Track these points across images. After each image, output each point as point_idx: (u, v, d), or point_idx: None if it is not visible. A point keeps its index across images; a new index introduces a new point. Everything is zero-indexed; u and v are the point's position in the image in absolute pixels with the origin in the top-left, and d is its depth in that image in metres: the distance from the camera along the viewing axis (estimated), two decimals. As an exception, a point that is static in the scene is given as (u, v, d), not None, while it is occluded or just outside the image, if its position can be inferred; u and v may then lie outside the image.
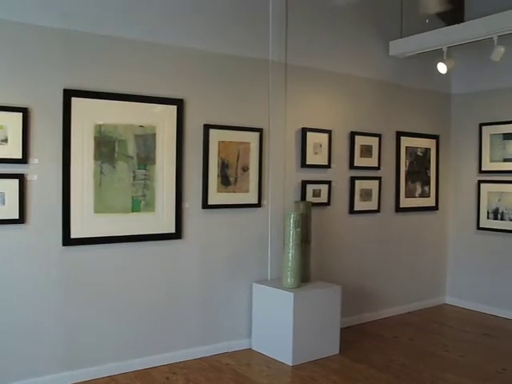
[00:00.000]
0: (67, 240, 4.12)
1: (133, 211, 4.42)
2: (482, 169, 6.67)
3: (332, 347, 5.00)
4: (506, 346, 5.40)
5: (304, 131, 5.44)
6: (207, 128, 4.77)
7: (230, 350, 5.02)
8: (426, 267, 6.84)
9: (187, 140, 4.69)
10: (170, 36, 4.57)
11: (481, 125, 6.68)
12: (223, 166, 4.89)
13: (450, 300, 7.06)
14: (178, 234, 4.66)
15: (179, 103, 4.61)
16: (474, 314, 6.59)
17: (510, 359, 5.00)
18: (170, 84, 4.59)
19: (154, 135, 4.49)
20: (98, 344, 4.33)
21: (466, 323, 6.19)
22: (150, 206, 4.50)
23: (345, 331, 5.45)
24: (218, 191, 4.88)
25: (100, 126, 4.22)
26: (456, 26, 5.71)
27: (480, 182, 6.69)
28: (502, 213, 6.47)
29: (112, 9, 4.28)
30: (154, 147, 4.50)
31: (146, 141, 4.45)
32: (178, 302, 4.73)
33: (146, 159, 4.46)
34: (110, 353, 4.39)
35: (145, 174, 4.46)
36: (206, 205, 4.80)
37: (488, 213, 6.61)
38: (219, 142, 4.85)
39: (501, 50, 5.33)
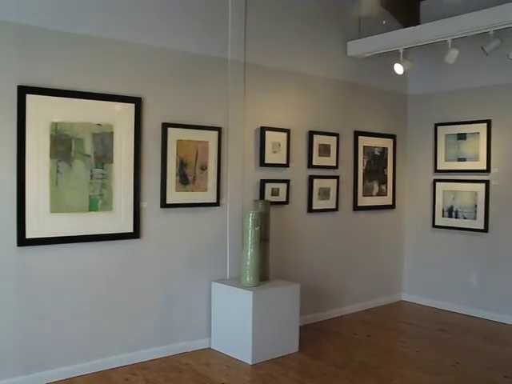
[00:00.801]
0: (22, 240, 4.02)
1: (90, 210, 4.35)
2: (438, 168, 6.82)
3: (291, 345, 5.03)
4: (460, 341, 5.53)
5: (263, 130, 5.45)
6: (165, 127, 4.74)
7: (189, 350, 4.99)
8: (383, 265, 6.94)
9: (145, 139, 4.65)
10: (128, 33, 4.51)
11: (436, 125, 6.82)
12: (181, 165, 4.86)
13: (406, 297, 7.19)
14: (136, 234, 4.61)
15: (137, 101, 4.56)
16: (429, 310, 6.73)
17: (463, 353, 5.12)
18: (128, 82, 4.54)
19: (111, 134, 4.43)
20: (54, 346, 4.24)
21: (422, 319, 6.31)
22: (107, 205, 4.44)
23: (304, 329, 5.48)
24: (177, 190, 4.85)
25: (56, 124, 4.13)
26: (412, 28, 5.82)
27: (435, 180, 6.83)
28: (457, 211, 6.62)
29: (69, 4, 4.20)
30: (112, 146, 4.44)
31: (104, 139, 4.39)
32: (136, 302, 4.68)
33: (104, 158, 4.40)
34: (68, 355, 4.31)
35: (102, 173, 4.40)
36: (164, 204, 4.77)
37: (443, 211, 6.76)
38: (177, 141, 4.82)
39: (455, 52, 5.46)
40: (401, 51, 5.90)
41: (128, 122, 4.52)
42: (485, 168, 6.33)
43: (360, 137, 6.50)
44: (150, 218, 4.72)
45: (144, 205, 4.66)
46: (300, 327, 5.17)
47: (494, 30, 5.15)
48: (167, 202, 4.78)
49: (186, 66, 4.90)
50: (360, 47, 6.23)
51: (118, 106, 4.46)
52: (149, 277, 4.74)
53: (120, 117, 4.47)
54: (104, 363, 4.48)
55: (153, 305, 4.78)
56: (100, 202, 4.39)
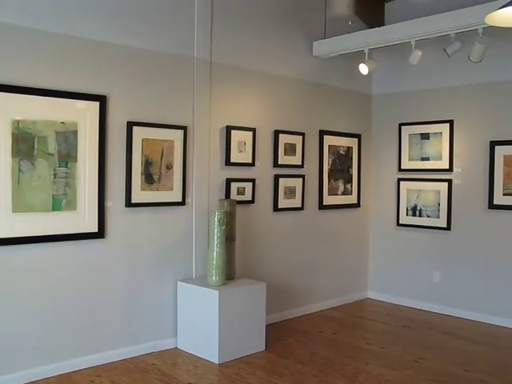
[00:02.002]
0: (-17, 241, 3.95)
1: (53, 210, 4.28)
2: (402, 167, 6.92)
3: (258, 344, 5.04)
4: (424, 337, 5.62)
5: (228, 129, 5.45)
6: (131, 125, 4.70)
7: (156, 350, 4.96)
8: (349, 263, 7.01)
9: (110, 137, 4.60)
10: (93, 30, 4.45)
11: (400, 125, 6.92)
12: (147, 164, 4.83)
13: (371, 294, 7.28)
14: (100, 234, 4.56)
15: (102, 100, 4.51)
16: (394, 307, 6.82)
17: (426, 349, 5.21)
18: (93, 80, 4.48)
19: (75, 132, 4.37)
20: (16, 349, 4.16)
21: (387, 316, 6.40)
22: (71, 204, 4.38)
23: (270, 328, 5.51)
24: (142, 189, 4.81)
25: (18, 121, 4.05)
26: (377, 29, 5.90)
27: (399, 179, 6.93)
28: (420, 209, 6.73)
29: (32, 0, 4.13)
30: (76, 144, 4.37)
31: (68, 138, 4.33)
32: (101, 303, 4.62)
33: (68, 157, 4.33)
34: (30, 357, 4.23)
35: (66, 172, 4.33)
36: (129, 203, 4.73)
37: (407, 209, 6.86)
38: (143, 140, 4.78)
39: (418, 53, 5.54)
40: (366, 51, 5.96)
41: (92, 120, 4.46)
42: (447, 167, 6.45)
43: (325, 136, 6.55)
44: (115, 218, 4.67)
45: (109, 204, 4.61)
46: (267, 326, 5.18)
47: (456, 32, 5.26)
48: (132, 202, 4.74)
49: (152, 65, 4.87)
50: (325, 47, 6.28)
51: (81, 104, 4.40)
52: (114, 277, 4.70)
53: (84, 115, 4.42)
54: (68, 365, 4.42)
55: (118, 305, 4.74)
56: (64, 201, 4.33)
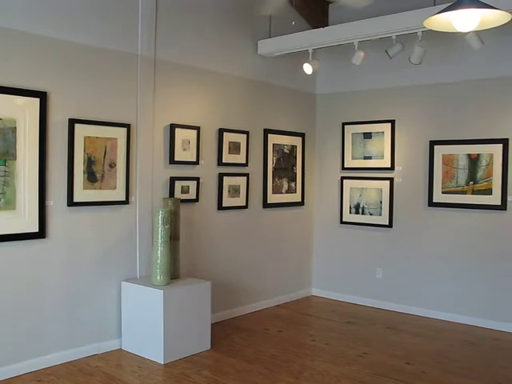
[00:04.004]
0: None
1: (-9, 210, 4.15)
2: (345, 166, 7.03)
3: (203, 343, 5.02)
4: (367, 332, 5.73)
5: (172, 127, 5.40)
6: (72, 123, 4.59)
7: (99, 352, 4.87)
8: (293, 261, 7.08)
9: (51, 135, 4.48)
10: (34, 24, 4.32)
11: (343, 124, 7.03)
12: (89, 162, 4.73)
13: (316, 291, 7.37)
14: (41, 234, 4.43)
15: (42, 96, 4.38)
16: (338, 303, 6.93)
17: (370, 344, 5.31)
18: (33, 75, 4.35)
19: (14, 129, 4.22)
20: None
21: (331, 313, 6.49)
22: (10, 203, 4.23)
23: (216, 326, 5.50)
24: (84, 188, 4.70)
25: (-48, 118, 3.91)
26: (320, 29, 5.98)
27: (343, 178, 7.04)
28: (363, 207, 6.86)
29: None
30: (15, 142, 4.23)
31: (6, 135, 4.18)
32: (42, 305, 4.49)
33: (6, 154, 4.19)
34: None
35: (4, 171, 4.19)
36: (71, 202, 4.62)
37: (350, 207, 6.98)
38: (85, 138, 4.68)
39: (361, 54, 5.65)
40: (310, 51, 6.03)
41: (32, 117, 4.33)
42: (389, 166, 6.60)
43: (270, 135, 6.58)
44: (57, 217, 4.55)
45: (50, 203, 4.49)
46: (212, 324, 5.18)
47: (397, 35, 5.38)
48: (74, 200, 4.63)
49: (95, 61, 4.77)
50: (270, 46, 6.31)
51: (21, 100, 4.26)
52: (55, 278, 4.57)
53: (23, 112, 4.28)
54: (7, 371, 4.26)
55: (60, 307, 4.61)
56: (2, 200, 4.18)
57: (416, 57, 5.38)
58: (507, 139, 5.74)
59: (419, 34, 5.21)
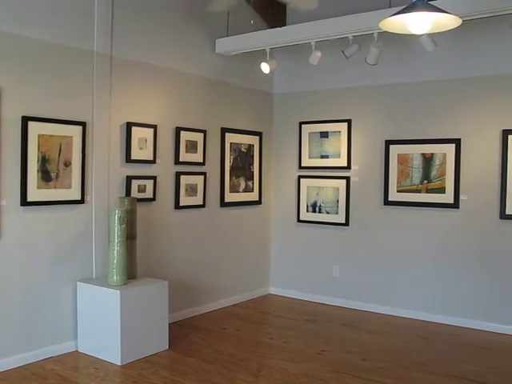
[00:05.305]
0: None
1: None
2: (302, 165, 7.08)
3: (161, 343, 4.98)
4: (325, 330, 5.79)
5: (129, 126, 5.34)
6: (26, 120, 4.47)
7: (55, 355, 4.76)
8: (251, 259, 7.09)
9: (3, 132, 4.35)
10: (-19, 19, 4.21)
11: (301, 123, 7.07)
12: (44, 161, 4.62)
13: (273, 290, 7.39)
14: (-7, 234, 4.33)
15: (-7, 92, 4.28)
16: (296, 301, 6.97)
17: (327, 341, 5.36)
18: (-17, 71, 4.24)
19: (-36, 127, 4.12)
20: None
21: (289, 311, 6.52)
22: (-40, 203, 4.12)
23: (174, 326, 5.46)
24: (38, 187, 4.60)
25: None
26: (278, 29, 6.00)
27: (300, 177, 7.09)
28: (320, 206, 6.92)
29: None
30: (-35, 140, 4.13)
31: (-45, 132, 4.07)
32: (-6, 307, 4.39)
33: (-45, 153, 4.08)
34: None
35: (-46, 169, 4.07)
36: (24, 202, 4.50)
37: (307, 206, 7.03)
38: (39, 136, 4.57)
39: (318, 54, 5.69)
40: (267, 51, 6.05)
41: (-17, 114, 4.22)
42: (346, 165, 6.67)
43: (227, 134, 6.57)
44: (10, 217, 4.43)
45: (2, 203, 4.37)
46: (170, 324, 5.14)
47: (353, 35, 5.45)
48: (28, 200, 4.52)
49: (49, 57, 4.66)
50: (228, 45, 6.30)
51: (-29, 96, 4.15)
52: (8, 279, 4.45)
53: (-26, 109, 4.17)
54: (-43, 374, 4.16)
55: (13, 309, 4.49)
56: (-49, 200, 4.06)
57: (372, 57, 5.46)
58: (459, 139, 5.88)
59: (375, 35, 5.28)
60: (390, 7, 4.95)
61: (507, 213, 5.62)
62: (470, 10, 4.63)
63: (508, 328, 5.62)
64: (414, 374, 4.55)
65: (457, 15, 3.18)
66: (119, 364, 4.58)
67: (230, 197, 6.67)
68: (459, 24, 3.21)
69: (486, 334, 5.65)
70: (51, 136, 4.66)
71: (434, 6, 3.12)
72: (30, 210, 4.58)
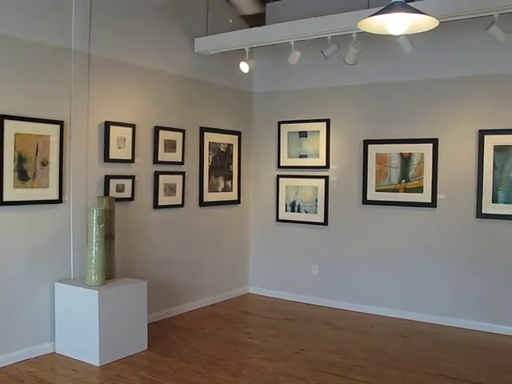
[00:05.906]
0: None
1: None
2: (281, 164, 7.09)
3: (140, 344, 4.95)
4: (304, 329, 5.81)
5: (107, 125, 5.30)
6: (2, 119, 4.40)
7: (32, 357, 4.69)
8: (230, 259, 7.08)
9: (-22, 131, 4.30)
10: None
11: (279, 123, 7.09)
12: (20, 160, 4.56)
13: (252, 289, 7.39)
14: (-32, 234, 4.27)
15: (-31, 91, 4.22)
16: (275, 301, 6.98)
17: (306, 340, 5.38)
18: (-42, 69, 4.17)
19: None
20: None
21: (269, 310, 6.54)
22: None
23: (153, 326, 5.44)
24: (15, 187, 4.54)
25: None
26: (257, 28, 6.01)
27: (279, 176, 7.10)
28: (299, 205, 6.94)
29: None
30: None
31: None
32: (-31, 309, 4.32)
33: None
34: None
35: None
36: (0, 202, 4.43)
37: (286, 205, 7.05)
38: (15, 134, 4.51)
39: (297, 54, 5.71)
40: (246, 50, 6.04)
41: (-42, 112, 4.15)
42: (324, 164, 6.70)
43: (206, 133, 6.56)
44: (-15, 217, 4.38)
45: (-22, 203, 4.32)
46: (149, 324, 5.12)
47: (332, 35, 5.47)
48: (4, 200, 4.46)
49: (25, 55, 4.59)
50: (207, 44, 6.28)
51: None
52: (-16, 280, 4.40)
53: None
54: None
55: (-11, 310, 4.45)
56: None
57: (350, 57, 5.49)
58: (437, 139, 5.95)
59: (354, 35, 5.31)
60: (369, 8, 4.99)
61: (483, 212, 5.70)
62: (448, 11, 4.69)
63: (489, 326, 5.70)
64: (392, 371, 4.59)
65: (434, 17, 3.22)
66: (98, 365, 4.55)
67: (208, 196, 6.65)
68: (436, 25, 3.25)
69: (470, 332, 5.70)
70: (28, 135, 4.61)
71: (412, 8, 3.16)
72: (6, 210, 4.51)
